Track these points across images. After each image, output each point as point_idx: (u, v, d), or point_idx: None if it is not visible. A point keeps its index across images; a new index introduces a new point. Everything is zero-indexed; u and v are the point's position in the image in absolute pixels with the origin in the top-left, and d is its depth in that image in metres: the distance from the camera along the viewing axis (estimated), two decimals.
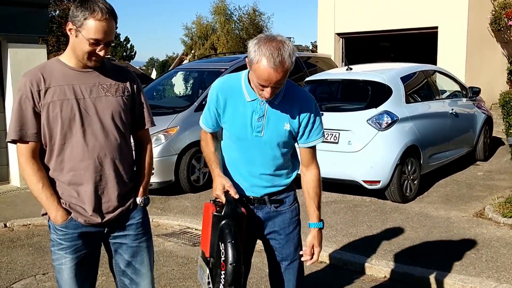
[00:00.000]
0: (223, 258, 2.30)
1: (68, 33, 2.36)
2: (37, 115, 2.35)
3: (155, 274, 4.47)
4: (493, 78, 12.85)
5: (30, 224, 6.04)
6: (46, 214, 2.46)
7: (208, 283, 2.41)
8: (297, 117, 2.46)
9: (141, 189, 2.60)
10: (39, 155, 2.40)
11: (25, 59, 7.48)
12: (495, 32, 12.85)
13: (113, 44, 2.38)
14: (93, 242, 2.49)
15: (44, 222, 2.38)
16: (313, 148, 2.58)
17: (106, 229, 2.50)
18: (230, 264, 2.24)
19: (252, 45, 2.27)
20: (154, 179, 6.82)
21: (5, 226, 5.97)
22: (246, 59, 2.34)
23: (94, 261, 2.56)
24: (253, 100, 2.44)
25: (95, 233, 2.48)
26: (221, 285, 2.31)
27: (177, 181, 7.04)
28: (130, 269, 2.58)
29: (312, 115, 2.49)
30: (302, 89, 2.57)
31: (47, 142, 2.38)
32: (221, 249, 2.31)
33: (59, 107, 2.34)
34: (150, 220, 6.09)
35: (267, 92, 2.31)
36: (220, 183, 2.44)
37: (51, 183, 2.40)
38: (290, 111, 2.45)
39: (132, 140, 2.62)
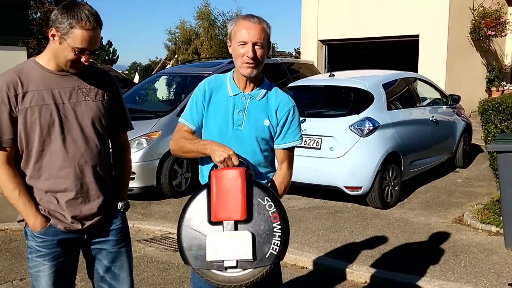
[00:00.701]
0: (272, 210, 2.24)
1: (51, 38, 2.27)
2: (13, 120, 2.25)
3: (136, 280, 4.42)
4: (472, 87, 13.07)
5: (7, 229, 5.94)
6: (22, 220, 2.39)
7: (248, 248, 2.21)
8: (276, 115, 2.49)
9: (121, 194, 2.57)
10: (14, 161, 2.32)
11: (4, 60, 7.42)
12: (474, 41, 13.07)
13: (97, 52, 2.33)
14: (72, 248, 2.44)
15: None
16: (289, 151, 2.55)
17: (85, 236, 2.45)
18: (284, 211, 2.25)
19: (229, 23, 2.47)
20: (135, 184, 6.77)
21: None
22: (228, 41, 2.47)
23: (72, 268, 2.51)
24: (236, 94, 2.49)
25: (75, 240, 2.43)
26: (276, 237, 2.21)
27: (159, 186, 7.00)
28: (109, 274, 2.54)
29: (290, 115, 2.51)
30: (284, 92, 2.60)
31: (23, 148, 2.30)
32: (264, 203, 2.25)
33: (37, 113, 2.25)
34: (131, 225, 6.04)
35: (248, 49, 2.34)
36: (222, 146, 2.31)
37: (28, 190, 2.32)
38: (270, 108, 2.50)
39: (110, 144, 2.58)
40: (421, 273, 4.41)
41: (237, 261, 2.21)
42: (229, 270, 2.24)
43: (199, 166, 2.59)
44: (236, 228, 2.23)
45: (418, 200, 6.84)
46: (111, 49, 49.47)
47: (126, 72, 59.57)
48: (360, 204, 6.58)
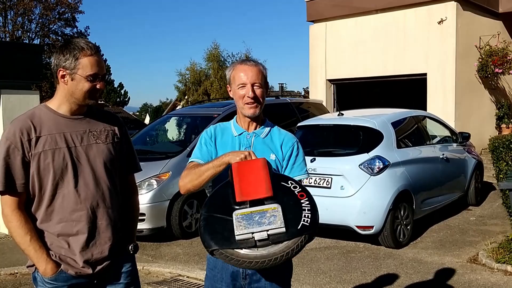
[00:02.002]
0: (297, 190, 2.23)
1: (60, 81, 2.31)
2: (25, 165, 2.26)
3: None
4: (482, 124, 13.05)
5: (17, 273, 5.90)
6: (32, 266, 2.36)
7: (279, 218, 2.12)
8: (281, 149, 2.56)
9: (130, 236, 2.56)
10: (25, 206, 2.31)
11: (18, 105, 7.51)
12: (482, 79, 13.13)
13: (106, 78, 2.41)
14: None
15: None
16: None
17: (95, 280, 2.42)
18: (310, 193, 2.24)
19: (227, 70, 2.61)
20: (145, 226, 6.74)
21: None
22: (228, 86, 2.60)
23: None
24: (240, 134, 2.57)
25: (85, 284, 2.40)
26: (306, 211, 2.16)
27: (169, 227, 6.96)
28: None
29: (295, 149, 2.58)
30: (286, 131, 2.67)
31: (36, 192, 2.30)
32: (289, 185, 2.25)
33: (51, 157, 2.27)
34: (141, 267, 6.00)
35: (248, 90, 2.46)
36: (239, 151, 2.41)
37: (39, 234, 2.31)
38: (275, 144, 2.57)
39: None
40: None
41: (268, 233, 2.10)
42: (260, 248, 2.10)
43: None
44: (263, 204, 2.17)
45: (431, 239, 6.73)
46: (122, 91, 50.30)
47: (137, 113, 60.34)
48: (372, 243, 6.49)
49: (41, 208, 2.32)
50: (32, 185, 2.29)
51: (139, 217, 6.59)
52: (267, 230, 2.10)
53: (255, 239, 2.10)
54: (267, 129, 2.60)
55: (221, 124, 2.66)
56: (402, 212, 6.47)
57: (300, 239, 2.13)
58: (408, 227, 6.57)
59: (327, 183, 6.41)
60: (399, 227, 6.41)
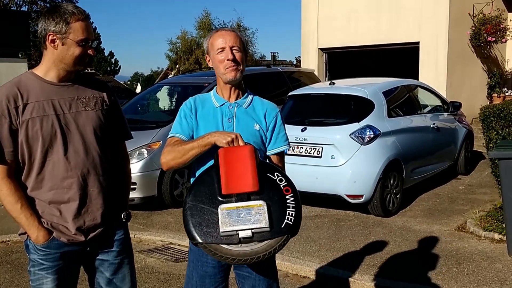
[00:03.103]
0: (283, 184, 2.24)
1: (50, 45, 2.26)
2: (13, 133, 2.24)
3: None
4: (473, 93, 13.06)
5: (9, 241, 5.93)
6: (24, 234, 2.37)
7: (264, 217, 2.15)
8: (264, 120, 2.55)
9: (122, 205, 2.56)
10: (15, 174, 2.30)
11: (5, 73, 7.43)
12: (475, 48, 13.08)
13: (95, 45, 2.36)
14: (75, 261, 2.42)
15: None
16: (281, 156, 2.62)
17: (88, 247, 2.43)
18: (295, 186, 2.24)
19: (204, 40, 2.58)
20: (136, 194, 6.76)
21: None
22: (206, 56, 2.58)
23: (74, 280, 2.49)
24: (222, 105, 2.53)
25: (78, 252, 2.41)
26: (290, 208, 2.19)
27: (160, 196, 6.99)
28: (111, 287, 2.51)
29: (279, 119, 2.58)
30: (268, 100, 2.65)
31: (26, 160, 2.28)
32: (275, 178, 2.25)
33: (39, 124, 2.25)
34: (132, 236, 6.03)
35: (228, 53, 2.43)
36: (225, 131, 2.40)
37: (30, 202, 2.31)
38: (258, 114, 2.56)
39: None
40: (424, 281, 4.38)
41: (252, 231, 2.13)
42: (243, 244, 2.14)
43: (192, 178, 2.55)
44: (249, 200, 2.19)
45: (420, 207, 6.81)
46: (113, 60, 49.73)
47: (128, 82, 59.78)
48: (362, 212, 6.55)
49: (31, 176, 2.30)
50: (22, 153, 2.27)
51: (130, 186, 6.70)
52: (252, 229, 2.13)
53: (239, 236, 2.13)
54: (249, 98, 2.57)
55: (200, 96, 2.61)
56: (391, 181, 6.51)
57: (283, 238, 2.17)
58: (398, 196, 6.63)
59: (318, 152, 6.41)
60: (388, 196, 6.46)
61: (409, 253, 5.12)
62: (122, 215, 2.53)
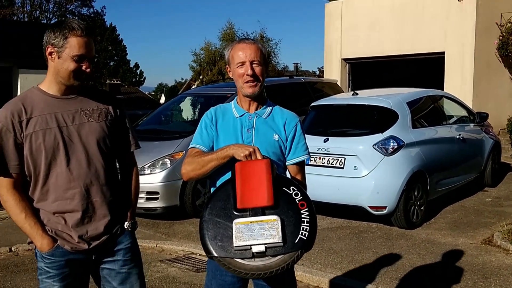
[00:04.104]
0: (299, 198, 2.23)
1: (48, 57, 2.33)
2: (18, 147, 2.31)
3: None
4: (500, 104, 12.82)
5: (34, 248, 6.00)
6: (32, 242, 2.41)
7: (277, 232, 2.16)
8: (284, 130, 2.53)
9: (128, 214, 2.57)
10: (22, 187, 2.36)
11: (35, 83, 7.57)
12: (502, 57, 12.86)
13: (95, 60, 2.39)
14: (80, 269, 2.45)
15: None
16: (301, 166, 2.59)
17: (93, 256, 2.45)
18: (311, 201, 2.23)
19: (225, 50, 2.59)
20: (159, 204, 6.80)
21: (10, 250, 5.94)
22: (227, 67, 2.59)
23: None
24: (242, 115, 2.53)
25: (83, 260, 2.43)
26: (304, 223, 2.18)
27: (182, 206, 7.01)
28: None
29: (298, 129, 2.55)
30: (288, 110, 2.64)
31: (31, 173, 2.35)
32: (291, 192, 2.25)
33: (42, 137, 2.31)
34: (154, 245, 6.03)
35: (247, 68, 2.42)
36: (243, 144, 2.40)
37: (35, 212, 2.36)
38: (277, 124, 2.54)
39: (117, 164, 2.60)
40: None
41: (265, 246, 2.14)
42: (257, 259, 2.14)
43: (211, 188, 2.56)
44: (263, 214, 2.19)
45: (445, 220, 6.68)
46: (138, 71, 50.40)
47: (153, 93, 60.48)
48: (384, 224, 6.46)
49: (37, 188, 2.37)
50: (27, 166, 2.34)
51: (153, 196, 6.76)
52: (265, 244, 2.14)
53: (253, 251, 2.14)
54: (269, 109, 2.55)
55: (221, 106, 2.61)
56: (416, 193, 6.41)
57: (297, 253, 2.17)
58: (422, 208, 6.52)
59: (340, 163, 6.36)
60: (412, 207, 6.36)
61: (433, 266, 5.02)
62: (127, 224, 2.54)
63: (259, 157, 2.29)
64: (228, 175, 2.39)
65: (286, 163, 2.56)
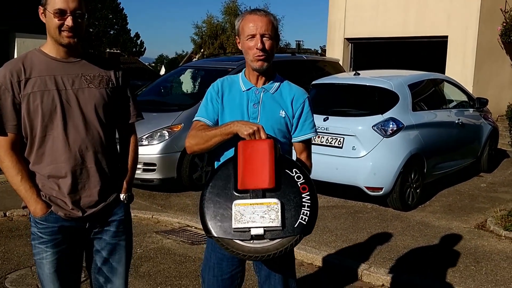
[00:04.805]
0: (301, 181, 2.21)
1: (41, 18, 2.31)
2: (16, 106, 2.28)
3: (152, 271, 4.47)
4: (500, 90, 12.79)
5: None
6: (26, 207, 2.40)
7: (277, 216, 2.14)
8: (291, 106, 2.47)
9: (124, 185, 2.54)
10: (19, 148, 2.33)
11: (32, 48, 7.48)
12: (505, 44, 12.78)
13: (86, 17, 2.26)
14: (74, 237, 2.43)
15: None
16: (307, 144, 2.55)
17: (87, 224, 2.44)
18: (313, 184, 2.21)
19: (236, 20, 2.49)
20: (155, 175, 6.81)
21: (5, 215, 5.97)
22: (236, 38, 2.49)
23: (76, 258, 2.50)
24: (249, 89, 2.48)
25: (76, 228, 2.42)
26: (305, 207, 2.16)
27: (179, 178, 7.02)
28: (107, 266, 2.53)
29: (306, 106, 2.50)
30: (297, 86, 2.59)
31: (28, 134, 2.32)
32: (293, 174, 2.22)
33: (39, 98, 2.27)
34: (150, 216, 6.07)
35: (257, 41, 2.35)
36: (248, 122, 2.35)
37: (31, 176, 2.34)
38: (285, 100, 2.48)
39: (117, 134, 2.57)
40: (441, 278, 4.33)
41: (264, 229, 2.13)
42: (255, 241, 2.14)
43: (215, 162, 2.55)
44: (264, 197, 2.17)
45: (440, 203, 6.72)
46: (138, 41, 49.91)
47: (153, 64, 60.10)
48: (380, 205, 6.50)
49: (33, 150, 2.34)
50: (24, 127, 2.31)
51: (150, 167, 6.77)
52: (264, 227, 2.13)
53: (251, 233, 2.14)
54: (277, 84, 2.49)
55: (228, 78, 2.56)
56: (412, 175, 6.44)
57: (295, 238, 2.16)
58: (418, 191, 6.55)
59: (339, 142, 6.36)
60: (408, 190, 6.39)
61: (426, 248, 5.07)
62: (123, 196, 2.52)
63: (263, 136, 2.25)
64: (231, 151, 2.37)
65: (292, 141, 2.52)
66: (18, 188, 2.33)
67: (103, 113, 2.40)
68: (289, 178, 2.22)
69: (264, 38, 2.37)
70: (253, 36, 2.37)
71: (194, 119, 2.53)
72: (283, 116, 2.46)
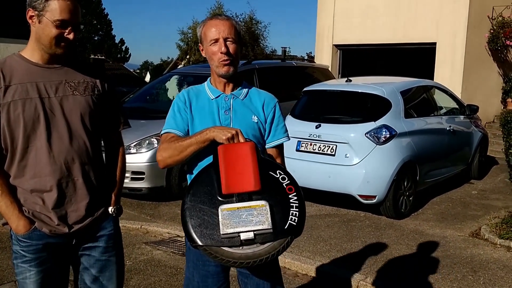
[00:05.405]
0: (286, 182, 2.14)
1: (29, 21, 2.13)
2: None
3: (142, 285, 4.32)
4: (488, 97, 12.85)
5: None
6: (6, 223, 2.22)
7: (266, 218, 2.06)
8: (263, 111, 2.43)
9: (113, 197, 2.40)
10: None
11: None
12: (492, 51, 12.86)
13: (82, 28, 2.16)
14: (59, 254, 2.27)
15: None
16: (281, 150, 2.50)
17: (74, 241, 2.28)
18: (298, 185, 2.16)
19: (198, 27, 2.42)
20: (144, 184, 6.66)
21: None
22: (199, 45, 2.43)
23: (62, 276, 2.33)
24: (217, 96, 2.41)
25: (62, 245, 2.26)
26: (293, 208, 2.10)
27: (169, 187, 6.87)
28: (96, 285, 2.37)
29: (277, 110, 2.47)
30: (265, 91, 2.54)
31: (8, 146, 2.15)
32: (277, 176, 2.16)
33: (21, 107, 2.11)
34: (139, 226, 5.90)
35: (220, 46, 2.29)
36: (224, 127, 2.26)
37: (12, 191, 2.18)
38: (255, 106, 2.44)
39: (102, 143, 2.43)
40: None
41: (254, 233, 2.04)
42: (245, 247, 2.05)
43: (188, 175, 2.44)
44: (250, 200, 2.09)
45: (432, 211, 6.66)
46: (123, 48, 49.57)
47: (138, 71, 59.69)
48: (373, 213, 6.42)
49: (14, 163, 2.17)
50: (4, 138, 2.15)
51: (138, 176, 6.60)
52: (254, 231, 2.04)
53: (241, 238, 2.04)
54: (245, 90, 2.44)
55: (193, 88, 2.47)
56: (405, 183, 6.37)
57: (287, 240, 2.08)
58: (411, 198, 6.49)
59: (331, 150, 6.27)
60: (401, 197, 6.32)
61: (422, 257, 4.99)
62: (111, 209, 2.38)
63: (241, 140, 2.18)
64: (206, 161, 2.27)
65: (266, 146, 2.45)
66: None
67: (89, 122, 2.25)
68: (274, 179, 2.16)
69: (227, 42, 2.31)
70: (216, 40, 2.31)
71: (162, 132, 2.41)
72: (256, 121, 2.40)
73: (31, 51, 2.19)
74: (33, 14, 2.12)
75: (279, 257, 2.24)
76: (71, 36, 2.12)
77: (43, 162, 2.16)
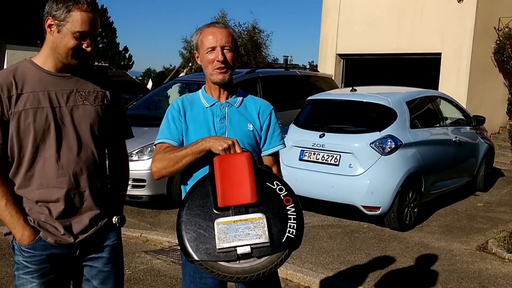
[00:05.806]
0: (283, 194, 2.08)
1: (47, 30, 2.09)
2: (4, 124, 2.06)
3: None
4: (493, 108, 12.77)
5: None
6: (9, 234, 2.16)
7: (263, 231, 2.00)
8: (258, 119, 2.39)
9: (117, 208, 2.35)
10: (4, 170, 2.11)
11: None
12: (498, 62, 12.79)
13: (98, 40, 2.10)
14: (63, 265, 2.20)
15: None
16: (276, 157, 2.45)
17: (78, 251, 2.21)
18: (295, 195, 2.10)
19: (193, 34, 2.37)
20: (145, 192, 6.56)
21: None
22: (195, 53, 2.39)
23: (63, 287, 2.27)
24: (212, 105, 2.36)
25: (66, 255, 2.19)
26: (291, 220, 2.04)
27: (169, 195, 6.77)
28: None
29: (273, 117, 2.43)
30: (261, 98, 2.50)
31: (15, 155, 2.10)
32: (274, 187, 2.09)
33: (32, 116, 2.07)
34: (139, 235, 5.80)
35: (217, 54, 2.26)
36: (220, 137, 2.22)
37: (17, 200, 2.11)
38: (251, 113, 2.39)
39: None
40: None
41: (251, 247, 1.97)
42: (242, 261, 1.99)
43: (182, 186, 2.37)
44: (247, 213, 2.02)
45: (437, 223, 6.54)
46: (127, 55, 49.70)
47: (140, 78, 59.77)
48: (376, 224, 6.30)
49: (20, 172, 2.11)
50: (11, 146, 2.08)
51: (139, 183, 6.51)
52: (251, 245, 1.99)
53: (238, 252, 1.99)
54: (240, 98, 2.40)
55: (187, 96, 2.42)
56: (410, 194, 6.26)
57: (284, 253, 2.01)
58: (415, 210, 6.37)
59: (335, 160, 6.17)
60: (406, 209, 6.21)
61: (428, 271, 4.86)
62: (115, 219, 2.32)
63: (238, 150, 2.13)
64: (201, 172, 2.21)
65: (262, 154, 2.39)
66: (2, 213, 2.09)
67: (98, 132, 2.21)
68: (271, 191, 2.10)
69: (224, 50, 2.28)
70: (213, 48, 2.28)
71: (156, 143, 2.35)
72: (251, 129, 2.35)
73: (44, 59, 2.15)
74: (52, 23, 2.08)
75: (281, 268, 2.16)
76: (89, 48, 2.11)
77: (51, 172, 2.11)
